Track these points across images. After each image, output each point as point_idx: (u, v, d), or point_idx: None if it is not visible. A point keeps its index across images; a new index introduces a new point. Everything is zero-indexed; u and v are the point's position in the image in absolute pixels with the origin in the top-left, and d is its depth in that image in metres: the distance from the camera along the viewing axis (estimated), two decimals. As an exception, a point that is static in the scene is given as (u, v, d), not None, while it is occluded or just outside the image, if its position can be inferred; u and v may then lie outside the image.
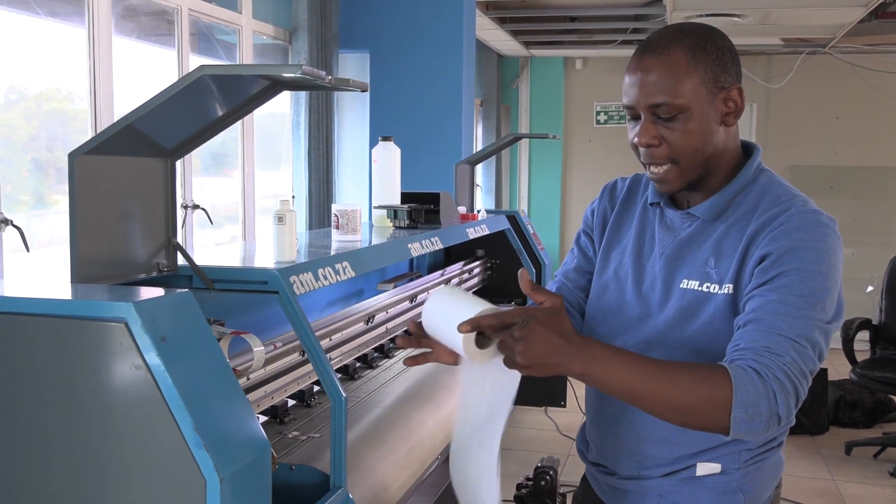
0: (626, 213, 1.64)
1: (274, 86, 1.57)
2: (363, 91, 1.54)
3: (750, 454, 1.53)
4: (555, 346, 1.23)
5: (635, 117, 1.45)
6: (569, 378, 2.90)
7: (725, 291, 1.43)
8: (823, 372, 5.32)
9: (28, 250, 2.67)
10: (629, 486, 1.59)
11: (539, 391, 4.32)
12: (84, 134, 3.11)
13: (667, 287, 1.51)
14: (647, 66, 1.41)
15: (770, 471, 1.58)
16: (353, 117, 5.09)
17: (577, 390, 4.80)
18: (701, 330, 1.45)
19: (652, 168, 1.47)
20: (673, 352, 1.47)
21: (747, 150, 1.54)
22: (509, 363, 1.25)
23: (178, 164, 1.73)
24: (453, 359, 1.41)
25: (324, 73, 1.39)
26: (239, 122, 4.00)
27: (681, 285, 1.48)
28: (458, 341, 1.27)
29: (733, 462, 1.52)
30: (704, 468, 1.52)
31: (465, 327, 1.26)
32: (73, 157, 1.46)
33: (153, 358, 1.22)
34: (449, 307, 1.31)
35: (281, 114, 4.57)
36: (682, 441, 1.52)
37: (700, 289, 1.46)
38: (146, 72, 3.66)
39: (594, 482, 1.69)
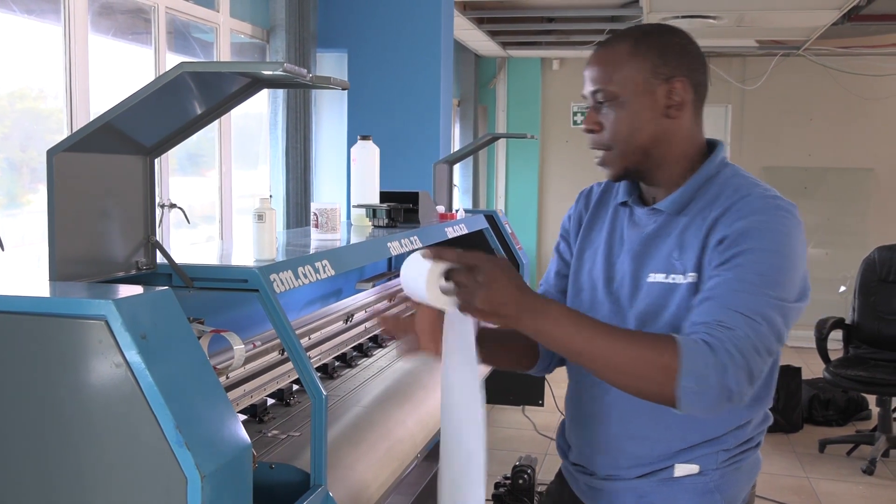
0: (599, 216, 1.67)
1: (254, 84, 1.57)
2: (344, 89, 1.54)
3: (728, 455, 1.55)
4: (513, 297, 1.28)
5: (587, 106, 1.55)
6: (546, 377, 2.91)
7: (689, 280, 1.46)
8: (797, 371, 5.37)
9: (3, 249, 2.65)
10: (607, 486, 1.60)
11: (517, 391, 4.34)
12: (58, 133, 3.08)
13: (635, 282, 1.53)
14: (595, 59, 1.51)
15: (747, 471, 1.60)
16: (330, 117, 5.08)
17: (554, 390, 4.82)
18: (671, 321, 1.46)
19: (596, 153, 1.54)
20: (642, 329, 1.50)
21: (712, 146, 1.58)
22: (466, 307, 1.30)
23: (156, 163, 1.73)
24: (436, 347, 1.44)
25: (305, 70, 1.39)
26: (216, 122, 3.99)
27: (648, 279, 1.51)
28: (424, 285, 1.30)
29: (711, 463, 1.54)
30: (682, 469, 1.54)
31: (427, 253, 1.31)
32: (52, 153, 1.45)
33: (134, 356, 1.22)
34: (421, 263, 1.34)
35: (258, 113, 4.55)
36: (660, 440, 1.54)
37: (666, 280, 1.48)
38: (122, 70, 3.63)
39: (573, 482, 1.70)
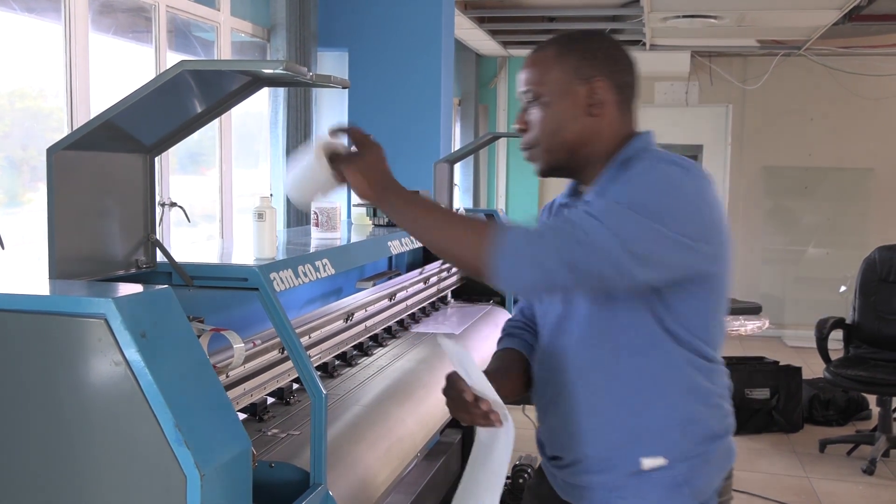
0: (550, 215, 1.76)
1: (254, 82, 1.56)
2: (344, 88, 1.54)
3: (694, 444, 1.57)
4: (377, 181, 1.51)
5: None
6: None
7: None
8: (797, 370, 5.37)
9: (3, 248, 2.64)
10: (582, 481, 1.63)
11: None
12: (58, 132, 3.08)
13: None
14: (526, 62, 1.62)
15: (718, 462, 1.62)
16: (331, 116, 5.07)
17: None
18: (618, 302, 1.54)
19: (524, 151, 1.64)
20: (600, 336, 1.57)
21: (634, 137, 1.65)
22: (340, 177, 1.52)
23: (156, 161, 1.73)
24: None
25: (305, 69, 1.39)
26: (216, 120, 3.99)
27: None
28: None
29: (677, 453, 1.56)
30: (649, 462, 1.56)
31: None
32: (52, 151, 1.45)
33: (133, 354, 1.22)
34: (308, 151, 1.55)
35: (258, 112, 4.55)
36: (625, 439, 1.57)
37: None
38: (123, 69, 3.63)
39: (551, 478, 1.73)
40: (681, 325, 1.53)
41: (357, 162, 1.50)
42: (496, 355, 1.79)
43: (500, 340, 1.83)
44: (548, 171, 1.63)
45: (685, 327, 1.53)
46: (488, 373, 1.60)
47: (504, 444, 1.50)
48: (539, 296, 1.69)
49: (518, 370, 1.73)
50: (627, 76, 1.59)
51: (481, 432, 1.57)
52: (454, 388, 1.53)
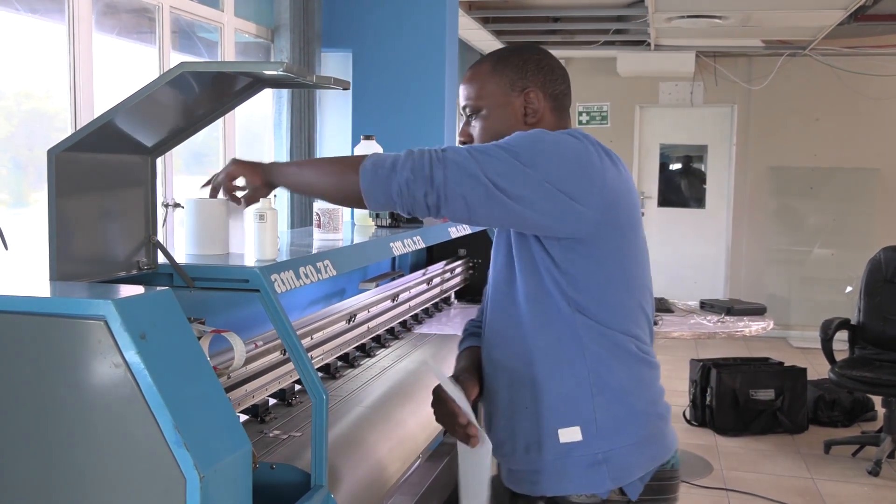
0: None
1: (256, 83, 1.56)
2: (345, 89, 1.54)
3: (609, 418, 1.64)
4: (251, 170, 1.68)
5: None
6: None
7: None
8: (802, 371, 5.36)
9: (7, 248, 2.65)
10: (512, 463, 1.74)
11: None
12: (63, 133, 3.08)
13: (508, 265, 1.72)
14: (465, 78, 1.74)
15: (642, 447, 1.67)
16: (335, 116, 5.07)
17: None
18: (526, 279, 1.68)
19: None
20: (507, 311, 1.71)
21: None
22: (229, 193, 1.72)
23: (159, 162, 1.73)
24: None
25: (305, 70, 1.39)
26: (220, 121, 4.00)
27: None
28: None
29: (592, 427, 1.64)
30: (566, 434, 1.64)
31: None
32: (53, 153, 1.45)
33: (133, 356, 1.21)
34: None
35: (263, 113, 4.55)
36: (541, 411, 1.66)
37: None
38: (127, 69, 3.64)
39: (498, 468, 1.82)
40: (576, 290, 1.61)
41: (231, 168, 1.67)
42: (462, 354, 1.90)
43: (461, 341, 1.95)
44: None
45: (580, 292, 1.62)
46: (459, 372, 1.79)
47: (483, 462, 1.62)
48: (404, 211, 1.71)
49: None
50: (560, 85, 1.72)
51: (462, 451, 1.69)
52: (442, 401, 1.65)
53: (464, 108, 1.73)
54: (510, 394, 1.71)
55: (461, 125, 1.76)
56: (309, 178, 1.64)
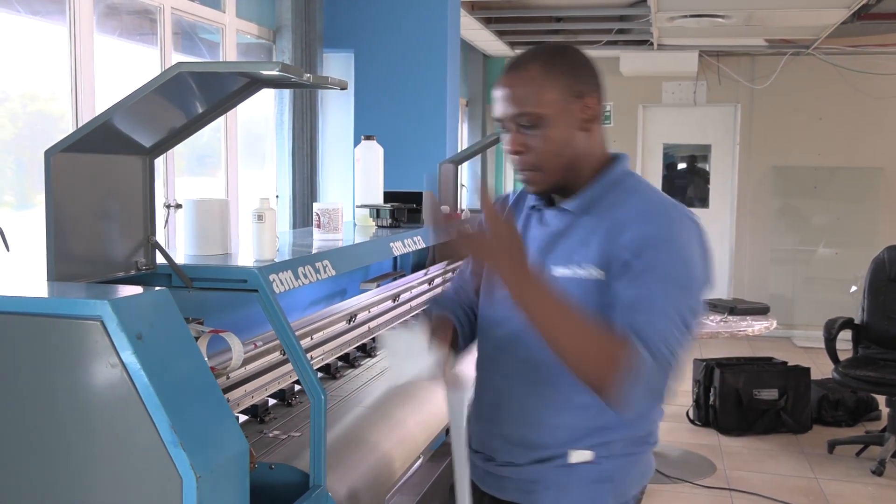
0: (511, 218, 1.72)
1: (253, 83, 1.56)
2: (342, 89, 1.54)
3: (623, 446, 1.60)
4: (512, 261, 1.41)
5: (504, 129, 1.58)
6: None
7: (592, 276, 1.53)
8: (806, 371, 5.35)
9: (8, 249, 2.65)
10: (504, 472, 1.66)
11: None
12: (67, 134, 3.08)
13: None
14: (509, 82, 1.56)
15: (641, 469, 1.66)
16: (337, 117, 5.08)
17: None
18: None
19: (518, 174, 1.60)
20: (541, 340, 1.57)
21: (615, 157, 1.66)
22: (475, 256, 1.45)
23: (161, 163, 1.73)
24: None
25: (302, 70, 1.39)
26: (222, 122, 4.00)
27: (552, 273, 1.57)
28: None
29: (605, 451, 1.59)
30: (577, 455, 1.59)
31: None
32: (50, 154, 1.45)
33: (129, 356, 1.22)
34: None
35: (264, 114, 4.55)
36: (557, 426, 1.59)
37: (567, 274, 1.55)
38: (129, 71, 3.64)
39: (472, 468, 1.72)
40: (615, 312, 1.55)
41: (495, 246, 1.40)
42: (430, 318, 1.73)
43: (427, 309, 1.79)
44: (547, 192, 1.63)
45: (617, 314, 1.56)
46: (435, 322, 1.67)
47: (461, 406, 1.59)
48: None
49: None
50: (602, 90, 1.61)
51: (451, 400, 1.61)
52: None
53: (517, 116, 1.53)
54: (523, 403, 1.62)
55: (509, 136, 1.57)
56: (557, 328, 1.41)
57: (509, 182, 8.60)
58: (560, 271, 1.55)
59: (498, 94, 1.57)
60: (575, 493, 1.60)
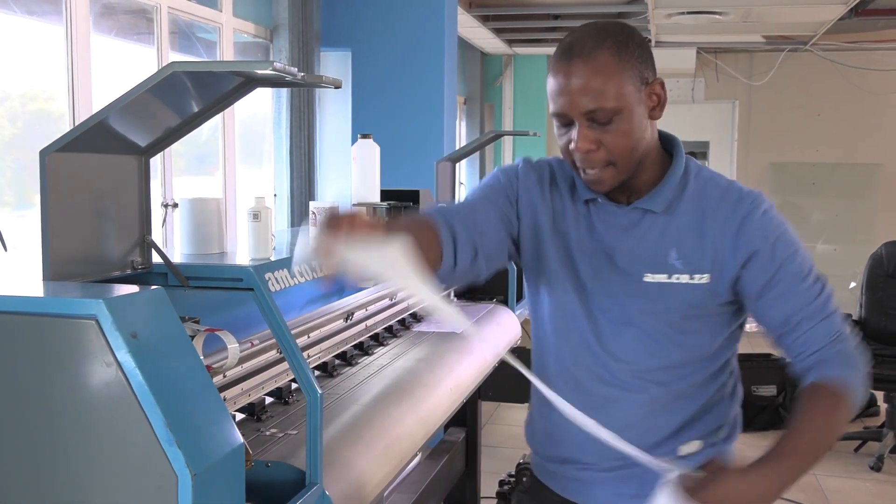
0: (561, 207, 1.60)
1: (248, 83, 1.57)
2: (336, 88, 1.54)
3: (724, 431, 1.62)
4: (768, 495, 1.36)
5: (567, 123, 1.44)
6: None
7: (699, 281, 1.48)
8: (805, 367, 5.35)
9: (6, 249, 2.66)
10: (608, 476, 1.60)
11: (523, 388, 4.33)
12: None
13: (627, 283, 1.53)
14: (577, 72, 1.40)
15: (734, 455, 1.66)
16: (335, 116, 5.08)
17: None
18: (666, 318, 1.51)
19: (588, 171, 1.46)
20: (648, 330, 1.53)
21: (663, 138, 1.58)
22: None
23: (159, 162, 1.73)
24: None
25: (295, 69, 1.39)
26: (220, 122, 4.01)
27: (645, 279, 1.51)
28: None
29: (712, 438, 1.58)
30: (687, 447, 1.56)
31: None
32: (45, 153, 1.45)
33: (124, 355, 1.22)
34: None
35: (262, 113, 4.56)
36: (665, 424, 1.56)
37: (669, 280, 1.49)
38: (126, 70, 3.65)
39: (558, 480, 1.68)
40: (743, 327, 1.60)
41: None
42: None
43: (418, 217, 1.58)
44: (615, 188, 1.49)
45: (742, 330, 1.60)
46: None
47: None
48: None
49: (423, 236, 1.42)
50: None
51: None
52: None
53: (591, 112, 1.40)
54: (637, 423, 1.56)
55: (576, 133, 1.43)
56: (824, 450, 1.47)
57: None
58: (654, 277, 1.50)
59: (562, 86, 1.42)
60: None
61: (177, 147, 3.54)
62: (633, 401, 1.56)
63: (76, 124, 3.00)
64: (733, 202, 1.52)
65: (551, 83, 1.45)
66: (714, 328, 1.54)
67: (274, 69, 1.33)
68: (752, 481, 1.34)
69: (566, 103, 1.42)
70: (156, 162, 1.76)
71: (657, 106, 1.47)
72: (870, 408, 5.48)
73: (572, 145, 1.44)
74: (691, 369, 1.56)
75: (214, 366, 1.71)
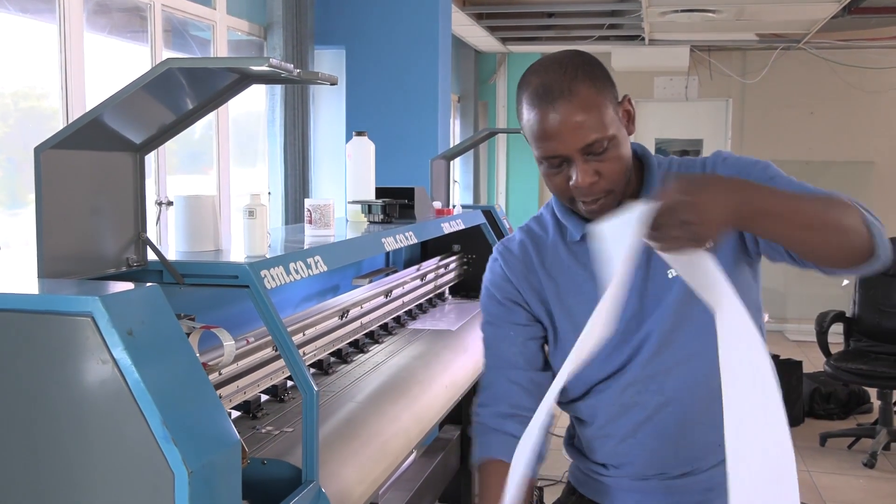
0: (554, 265, 1.61)
1: (243, 79, 1.56)
2: (332, 84, 1.54)
3: None
4: (723, 200, 1.22)
5: (560, 164, 1.44)
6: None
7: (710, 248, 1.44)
8: (798, 364, 5.36)
9: (-1, 248, 2.65)
10: (676, 485, 1.58)
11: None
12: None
13: (654, 289, 1.53)
14: (563, 112, 1.40)
15: None
16: (329, 113, 5.08)
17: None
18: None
19: (589, 204, 1.47)
20: (697, 326, 1.50)
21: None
22: (694, 245, 1.23)
23: (153, 160, 1.73)
24: None
25: (291, 66, 1.39)
26: (213, 120, 4.00)
27: (669, 275, 1.51)
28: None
29: None
30: None
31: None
32: (39, 150, 1.45)
33: (120, 352, 1.22)
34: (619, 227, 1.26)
35: (257, 110, 4.55)
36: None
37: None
38: (120, 68, 3.64)
39: (598, 493, 1.67)
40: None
41: (688, 222, 1.20)
42: (485, 478, 1.59)
43: (477, 438, 1.63)
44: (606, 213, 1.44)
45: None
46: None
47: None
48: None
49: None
50: None
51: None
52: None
53: (589, 146, 1.40)
54: (693, 407, 1.54)
55: (576, 170, 1.42)
56: (810, 214, 1.30)
57: (501, 179, 8.60)
58: (673, 272, 1.49)
59: (552, 128, 1.41)
60: None
61: (170, 145, 3.53)
62: (690, 399, 1.56)
63: (70, 122, 3.00)
64: (700, 167, 1.54)
65: (536, 129, 1.43)
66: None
67: (270, 65, 1.33)
68: (713, 181, 1.28)
69: (559, 145, 1.42)
70: (149, 160, 1.76)
71: (630, 121, 1.49)
72: (863, 405, 5.50)
73: (572, 182, 1.44)
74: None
75: (210, 363, 1.71)
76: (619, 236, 1.25)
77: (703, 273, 1.29)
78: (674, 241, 1.22)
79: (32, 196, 3.17)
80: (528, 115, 1.45)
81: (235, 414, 1.96)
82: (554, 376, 1.55)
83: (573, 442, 1.78)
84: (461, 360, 2.65)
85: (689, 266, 1.31)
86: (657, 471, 1.61)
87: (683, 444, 1.58)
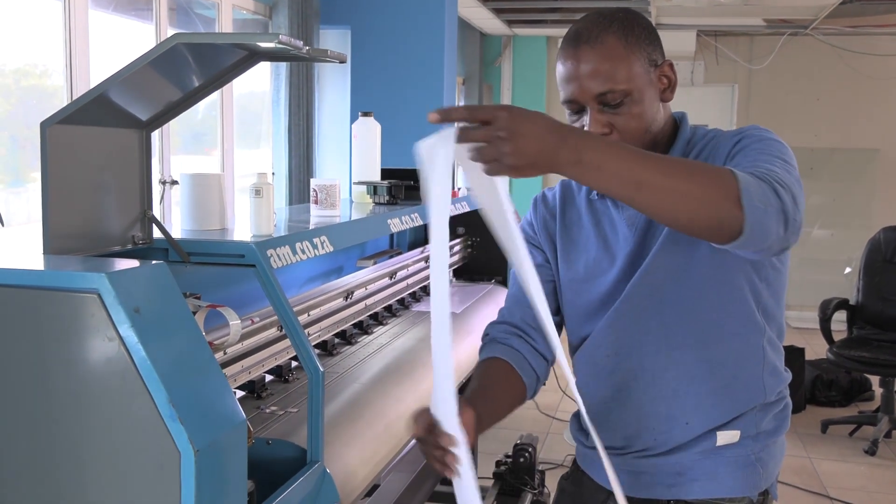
0: (572, 217, 1.64)
1: (251, 56, 1.55)
2: (341, 62, 1.53)
3: (768, 423, 1.56)
4: (548, 141, 1.12)
5: (579, 110, 1.45)
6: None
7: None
8: (800, 351, 5.36)
9: (3, 225, 2.64)
10: (643, 465, 1.57)
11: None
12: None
13: (651, 241, 1.51)
14: (585, 57, 1.41)
15: (780, 450, 1.62)
16: (333, 93, 5.05)
17: (555, 369, 4.81)
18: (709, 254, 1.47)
19: None
20: (695, 321, 1.51)
21: (676, 119, 1.57)
22: (496, 167, 1.14)
23: (157, 140, 1.71)
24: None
25: (300, 42, 1.37)
26: (218, 99, 3.98)
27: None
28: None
29: (751, 428, 1.53)
30: (724, 437, 1.52)
31: (434, 116, 1.18)
32: (46, 126, 1.43)
33: (126, 330, 1.20)
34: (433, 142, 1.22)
35: (261, 92, 4.53)
36: (698, 401, 1.51)
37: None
38: (124, 46, 3.61)
39: (595, 469, 1.66)
40: (772, 299, 1.55)
41: (503, 139, 1.12)
42: (478, 371, 1.58)
43: (481, 348, 1.66)
44: None
45: (775, 302, 1.56)
46: (467, 396, 1.43)
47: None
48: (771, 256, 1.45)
49: (503, 387, 1.56)
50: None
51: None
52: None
53: (602, 95, 1.40)
54: (671, 404, 1.52)
55: (588, 118, 1.42)
56: (657, 178, 1.16)
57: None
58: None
59: (571, 72, 1.42)
60: (724, 481, 1.53)
61: (173, 125, 3.51)
62: (661, 366, 1.55)
63: (73, 100, 2.99)
64: (732, 135, 1.46)
65: (560, 71, 1.45)
66: (731, 292, 1.53)
67: (279, 42, 1.31)
68: (541, 118, 1.14)
69: (576, 89, 1.42)
70: (154, 139, 1.74)
71: (668, 88, 1.48)
72: (865, 392, 5.50)
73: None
74: (715, 338, 1.56)
75: (216, 342, 1.70)
76: (438, 154, 1.21)
77: (495, 199, 1.24)
78: (484, 156, 1.14)
79: (34, 175, 3.15)
80: (558, 59, 1.47)
81: (240, 394, 1.95)
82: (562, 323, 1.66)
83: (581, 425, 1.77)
84: (465, 343, 2.65)
85: (483, 187, 1.24)
86: (622, 443, 1.59)
87: (644, 413, 1.55)
